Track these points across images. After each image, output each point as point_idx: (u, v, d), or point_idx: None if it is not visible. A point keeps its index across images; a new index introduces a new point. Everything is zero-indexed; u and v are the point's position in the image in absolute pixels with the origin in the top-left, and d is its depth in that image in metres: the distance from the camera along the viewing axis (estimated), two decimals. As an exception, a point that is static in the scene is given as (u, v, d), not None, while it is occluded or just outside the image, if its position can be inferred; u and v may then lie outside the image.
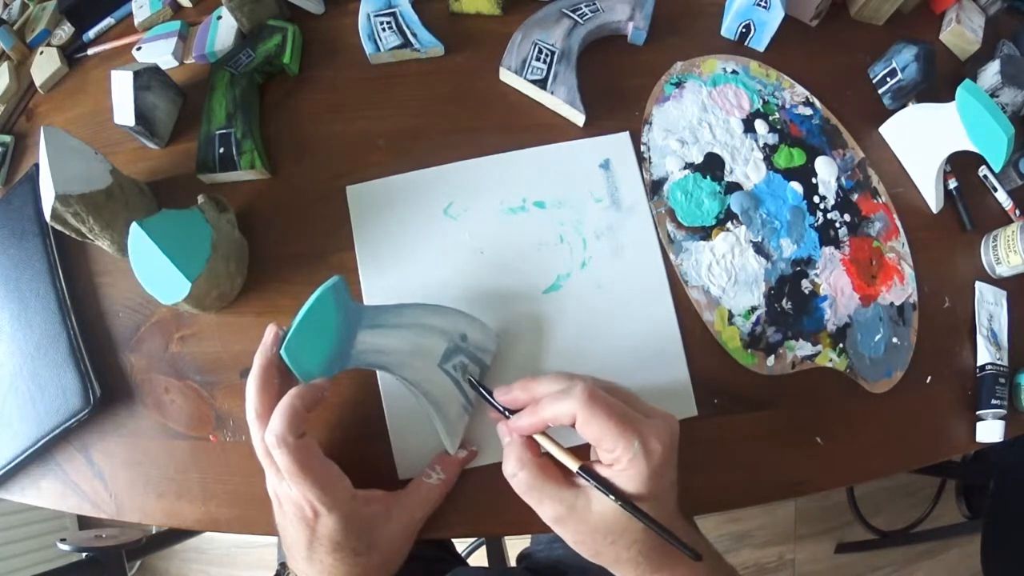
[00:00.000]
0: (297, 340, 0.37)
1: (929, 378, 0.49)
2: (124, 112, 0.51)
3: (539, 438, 0.37)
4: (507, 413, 0.39)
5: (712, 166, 0.52)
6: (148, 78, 0.52)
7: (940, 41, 0.60)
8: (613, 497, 0.33)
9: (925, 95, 0.54)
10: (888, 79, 0.55)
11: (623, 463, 0.33)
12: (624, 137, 0.52)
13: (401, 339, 0.41)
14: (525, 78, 0.52)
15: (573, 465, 0.35)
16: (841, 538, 1.29)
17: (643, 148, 0.52)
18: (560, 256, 0.49)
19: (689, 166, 0.51)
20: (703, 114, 0.53)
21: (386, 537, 0.40)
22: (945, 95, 0.49)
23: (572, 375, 0.36)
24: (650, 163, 0.51)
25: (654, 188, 0.51)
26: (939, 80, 0.54)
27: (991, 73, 0.55)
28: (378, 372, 0.46)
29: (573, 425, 0.34)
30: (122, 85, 0.51)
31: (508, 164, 0.51)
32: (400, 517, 0.40)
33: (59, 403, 0.47)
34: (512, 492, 0.42)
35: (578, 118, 0.52)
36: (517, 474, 0.36)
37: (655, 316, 0.47)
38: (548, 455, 0.37)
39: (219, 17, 0.58)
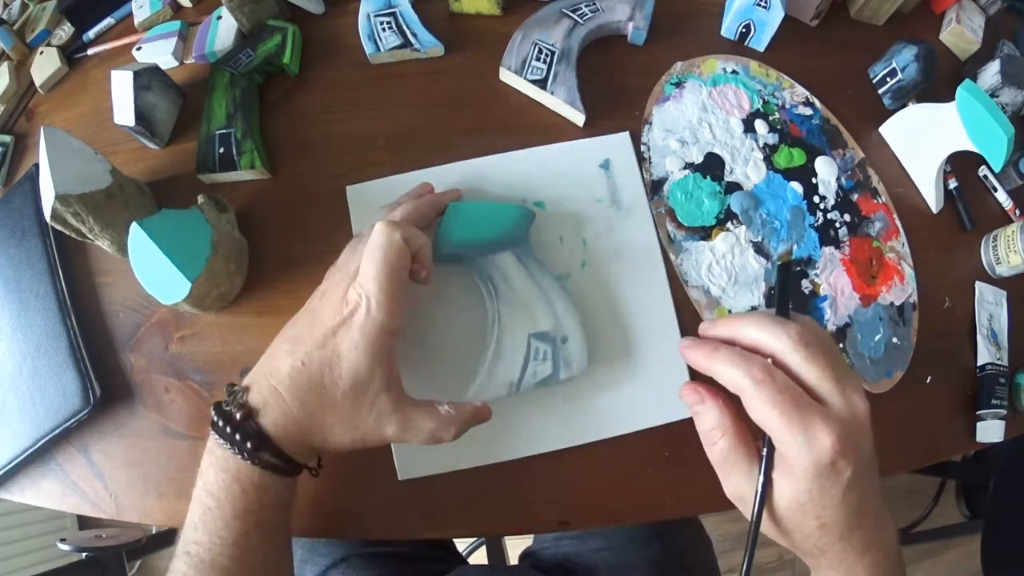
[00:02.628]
0: (470, 212, 0.44)
1: (929, 378, 0.49)
2: (124, 112, 0.51)
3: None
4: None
5: (712, 166, 0.52)
6: (148, 78, 0.52)
7: (940, 41, 0.60)
8: (760, 487, 0.31)
9: (925, 95, 0.54)
10: (888, 79, 0.55)
11: (790, 456, 0.30)
12: (624, 137, 0.52)
13: (528, 289, 0.44)
14: (525, 78, 0.52)
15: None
16: (841, 538, 1.29)
17: (643, 148, 0.52)
18: (560, 256, 0.48)
19: (689, 166, 0.51)
20: (703, 114, 0.53)
21: (358, 421, 0.36)
22: (945, 95, 0.49)
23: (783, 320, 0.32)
24: (650, 163, 0.51)
25: (654, 188, 0.51)
26: (939, 80, 0.54)
27: (991, 73, 0.55)
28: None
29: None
30: (122, 85, 0.51)
31: (508, 164, 0.51)
32: (389, 420, 0.36)
33: (59, 403, 0.47)
34: (512, 492, 0.42)
35: (578, 118, 0.52)
36: (717, 442, 0.33)
37: (655, 316, 0.47)
38: (745, 426, 0.33)
39: (219, 17, 0.58)
